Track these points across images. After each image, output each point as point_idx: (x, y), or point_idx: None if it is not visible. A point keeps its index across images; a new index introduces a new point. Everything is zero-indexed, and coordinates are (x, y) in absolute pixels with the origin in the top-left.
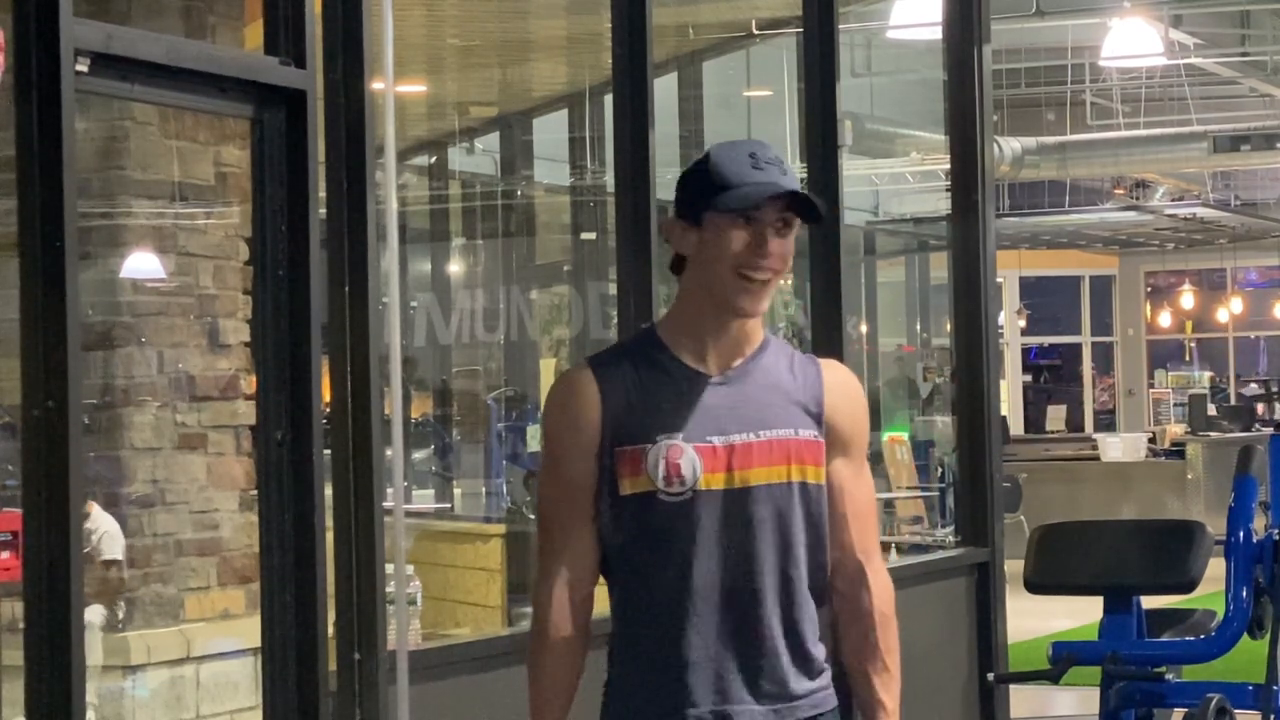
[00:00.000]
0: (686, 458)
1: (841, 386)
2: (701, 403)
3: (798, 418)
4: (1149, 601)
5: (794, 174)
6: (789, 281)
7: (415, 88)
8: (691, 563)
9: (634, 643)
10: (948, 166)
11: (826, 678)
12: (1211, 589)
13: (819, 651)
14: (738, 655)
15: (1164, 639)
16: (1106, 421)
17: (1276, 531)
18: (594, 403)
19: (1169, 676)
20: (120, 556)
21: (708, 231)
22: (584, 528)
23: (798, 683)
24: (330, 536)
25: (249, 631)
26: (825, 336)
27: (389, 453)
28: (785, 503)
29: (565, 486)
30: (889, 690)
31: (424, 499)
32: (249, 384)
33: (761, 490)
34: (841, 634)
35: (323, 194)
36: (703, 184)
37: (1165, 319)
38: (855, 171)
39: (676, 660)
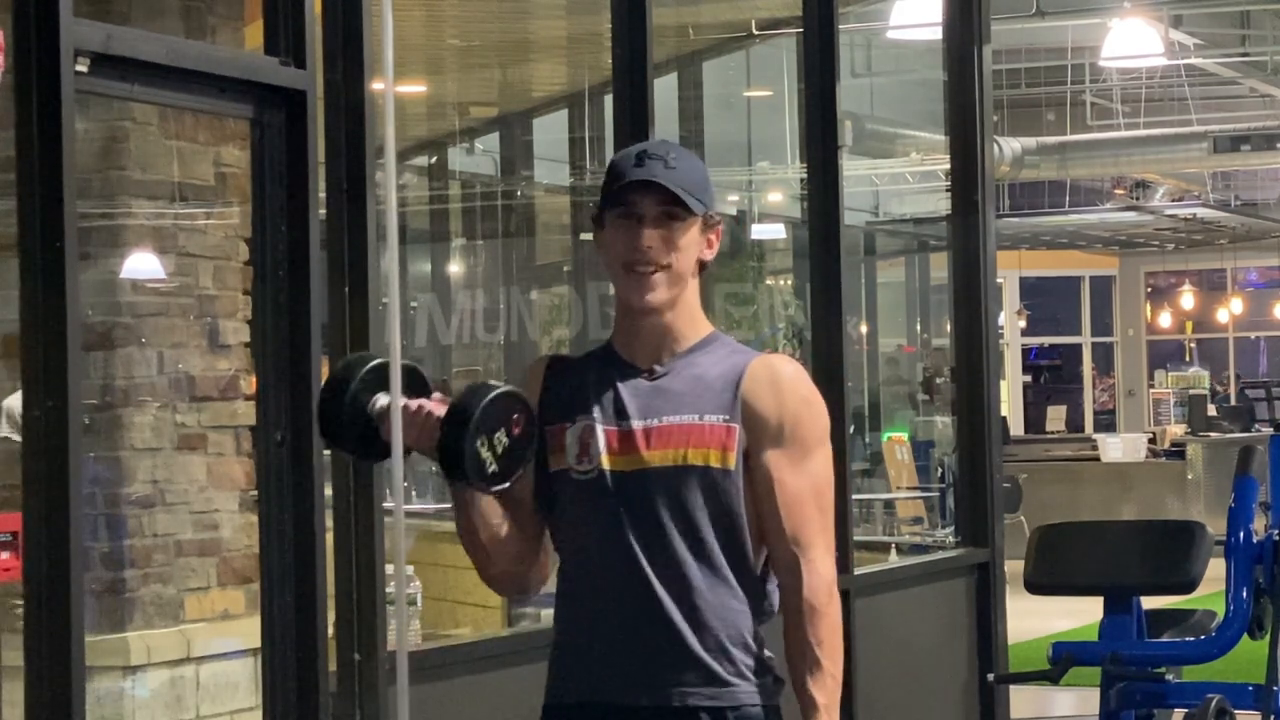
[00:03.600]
0: (595, 437)
1: (768, 375)
2: (623, 391)
3: (707, 404)
4: (1149, 601)
5: (684, 168)
6: (789, 281)
7: (415, 88)
8: (591, 544)
9: (559, 617)
10: (948, 166)
11: (739, 671)
12: (1211, 589)
13: (738, 644)
14: (623, 641)
15: (1164, 639)
16: (1106, 422)
17: (1276, 532)
18: (537, 385)
19: (1169, 677)
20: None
21: (605, 234)
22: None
23: (684, 674)
24: (330, 536)
25: (249, 631)
26: (825, 336)
27: None
28: (683, 487)
29: None
30: (821, 686)
31: (424, 499)
32: (249, 384)
33: (658, 473)
34: (784, 627)
35: (323, 194)
36: (602, 190)
37: (1165, 319)
38: (855, 171)
39: (568, 641)
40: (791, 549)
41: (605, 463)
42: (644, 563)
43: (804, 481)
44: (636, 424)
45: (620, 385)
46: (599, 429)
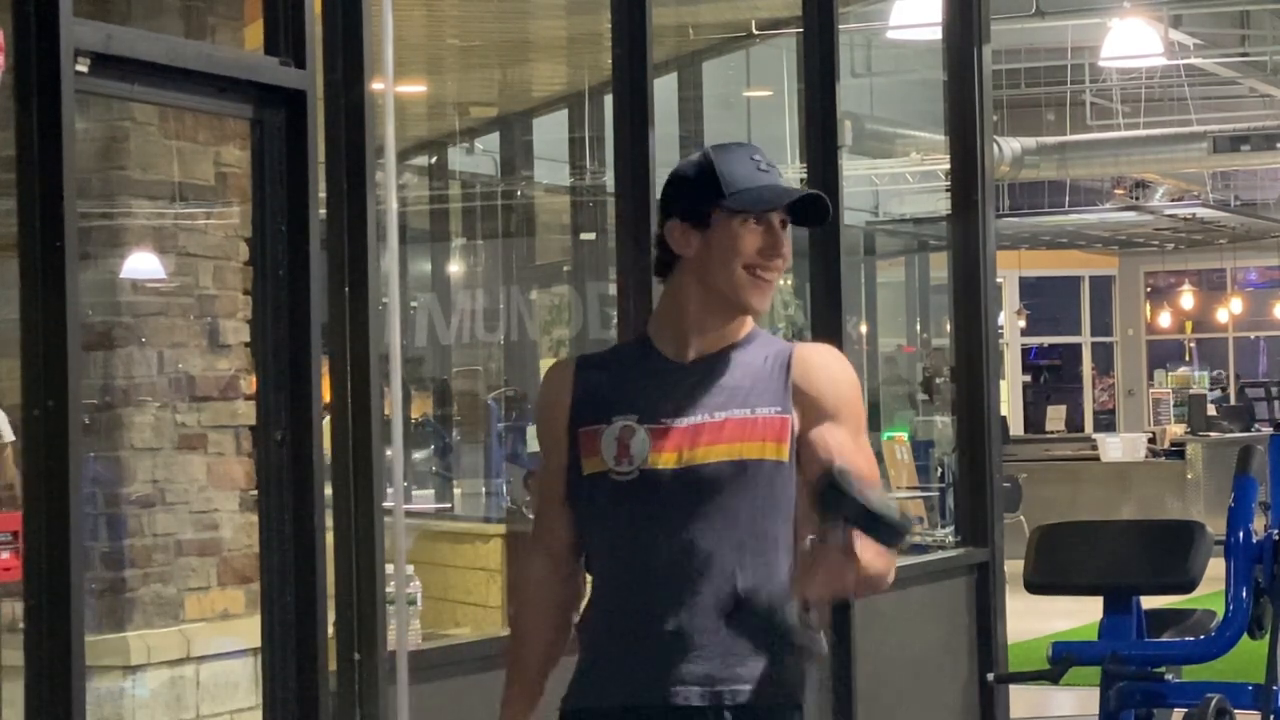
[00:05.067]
0: (637, 438)
1: (816, 358)
2: (664, 386)
3: (757, 398)
4: (1149, 601)
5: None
6: (789, 281)
7: (415, 88)
8: (635, 544)
9: (589, 624)
10: (948, 166)
11: (770, 671)
12: (1211, 589)
13: (784, 638)
14: (667, 641)
15: (1164, 639)
16: (1106, 421)
17: (1276, 531)
18: (567, 389)
19: (1169, 676)
20: (12, 438)
21: (716, 231)
22: (560, 507)
23: (741, 669)
24: (330, 536)
25: (249, 631)
26: (825, 337)
27: (389, 453)
28: (738, 483)
29: (547, 469)
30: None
31: (424, 499)
32: (249, 384)
33: (710, 469)
34: None
35: (323, 194)
36: (708, 185)
37: (1165, 319)
38: (855, 171)
39: (605, 645)
40: None
41: (650, 462)
42: (691, 561)
43: (860, 459)
44: (685, 420)
45: (663, 380)
46: (640, 428)
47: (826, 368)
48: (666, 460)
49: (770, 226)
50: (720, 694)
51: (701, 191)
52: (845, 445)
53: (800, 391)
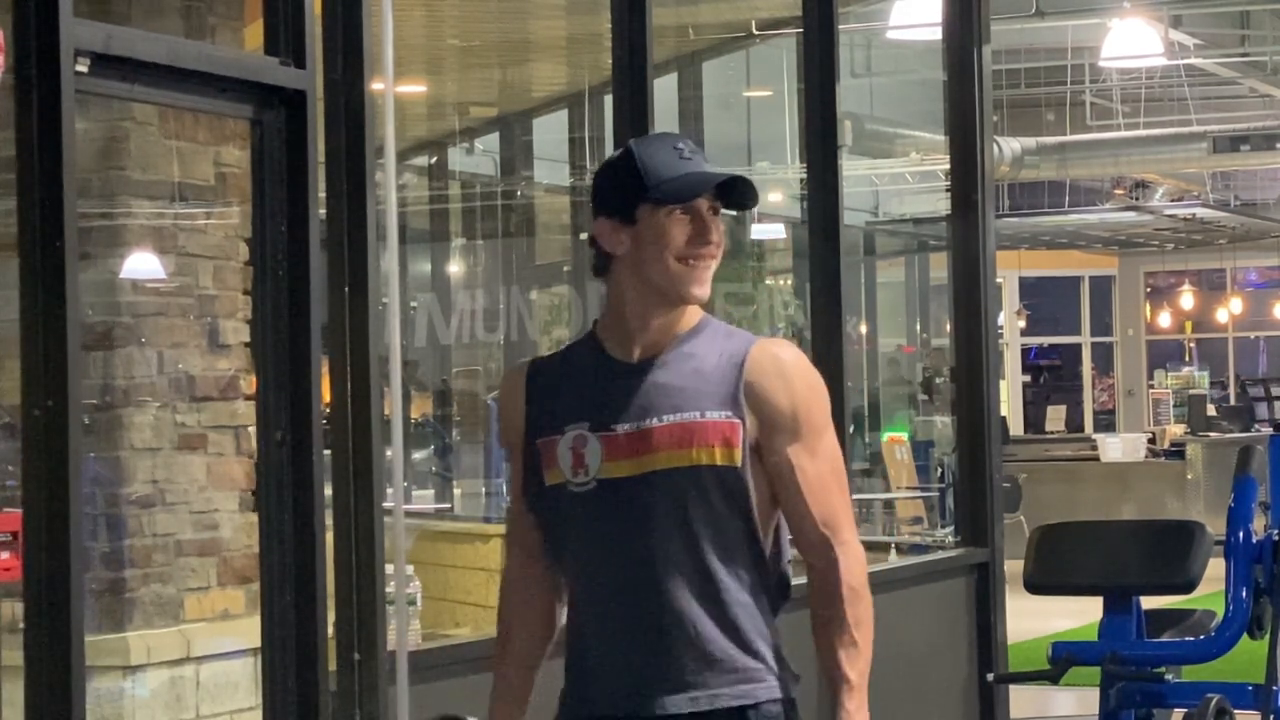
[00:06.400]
0: (590, 447)
1: (771, 364)
2: (612, 390)
3: (708, 400)
4: (1149, 601)
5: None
6: (789, 281)
7: (415, 88)
8: (596, 554)
9: (569, 633)
10: (948, 166)
11: (753, 670)
12: (1211, 589)
13: (758, 639)
14: (643, 650)
15: (1164, 639)
16: (1106, 422)
17: (1276, 531)
18: (520, 398)
19: (1169, 676)
20: None
21: (643, 226)
22: (528, 511)
23: (710, 676)
24: (330, 536)
25: (249, 631)
26: (825, 336)
27: (389, 453)
28: (691, 488)
29: (513, 474)
30: (854, 664)
31: (424, 499)
32: (249, 384)
33: (663, 475)
34: (811, 608)
35: (323, 194)
36: (631, 180)
37: (1165, 319)
38: (855, 171)
39: (583, 657)
40: (823, 532)
41: (604, 471)
42: (657, 568)
43: (824, 465)
44: (635, 425)
45: (613, 385)
46: (592, 437)
47: (781, 375)
48: (620, 469)
49: (697, 215)
50: (698, 699)
51: (625, 187)
52: (798, 462)
53: (754, 398)
